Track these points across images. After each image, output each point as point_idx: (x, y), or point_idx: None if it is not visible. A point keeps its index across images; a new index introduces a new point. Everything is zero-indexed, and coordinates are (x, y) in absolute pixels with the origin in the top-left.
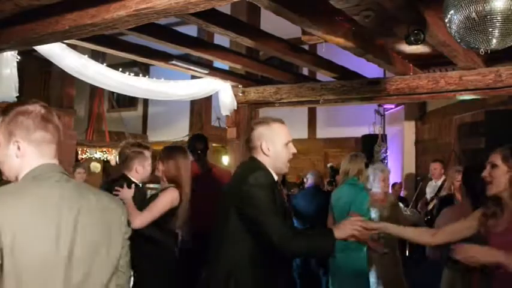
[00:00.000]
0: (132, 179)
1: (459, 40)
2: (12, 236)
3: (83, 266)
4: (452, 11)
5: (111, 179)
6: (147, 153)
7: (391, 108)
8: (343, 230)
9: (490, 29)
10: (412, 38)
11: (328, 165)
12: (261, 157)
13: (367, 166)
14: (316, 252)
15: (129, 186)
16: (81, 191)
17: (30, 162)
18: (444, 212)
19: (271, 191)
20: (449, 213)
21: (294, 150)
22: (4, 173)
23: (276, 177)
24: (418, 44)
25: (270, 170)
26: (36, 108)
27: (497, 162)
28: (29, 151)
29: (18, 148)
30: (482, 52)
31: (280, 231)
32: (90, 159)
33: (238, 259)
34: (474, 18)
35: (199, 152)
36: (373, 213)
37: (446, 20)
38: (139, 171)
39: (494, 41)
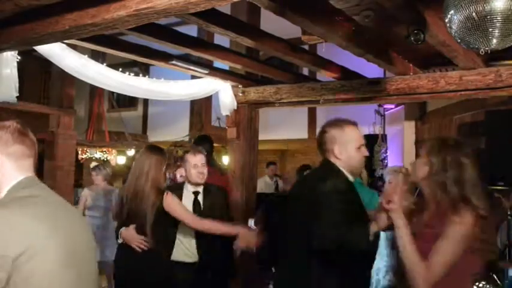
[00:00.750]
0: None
1: (459, 40)
2: (24, 252)
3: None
4: (452, 11)
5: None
6: None
7: (391, 108)
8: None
9: (490, 29)
10: (412, 38)
11: None
12: (334, 160)
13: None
14: None
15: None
16: (65, 206)
17: (11, 176)
18: None
19: (348, 196)
20: None
21: (366, 153)
22: None
23: (351, 179)
24: (418, 44)
25: (344, 172)
26: (13, 124)
27: (421, 153)
28: (7, 165)
29: None
30: (482, 52)
31: (366, 236)
32: (90, 159)
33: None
34: (474, 18)
35: (206, 153)
36: None
37: (446, 20)
38: None
39: (495, 41)
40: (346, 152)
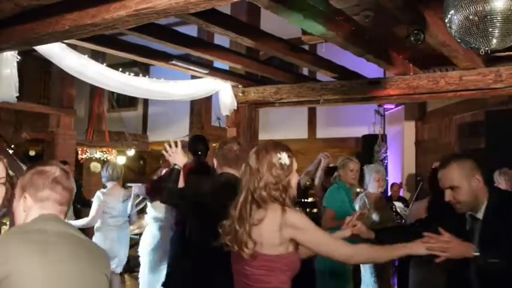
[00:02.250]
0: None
1: (459, 40)
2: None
3: None
4: (452, 11)
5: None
6: None
7: (391, 109)
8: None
9: (490, 29)
10: (412, 38)
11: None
12: None
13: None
14: None
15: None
16: (80, 243)
17: (33, 214)
18: (414, 204)
19: None
20: (418, 206)
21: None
22: (14, 223)
23: None
24: (418, 44)
25: None
26: (52, 169)
27: (455, 183)
28: (33, 207)
29: (25, 203)
30: (482, 52)
31: None
32: (90, 159)
33: None
34: (474, 18)
35: (199, 153)
36: (375, 216)
37: (446, 20)
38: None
39: (494, 41)
40: None
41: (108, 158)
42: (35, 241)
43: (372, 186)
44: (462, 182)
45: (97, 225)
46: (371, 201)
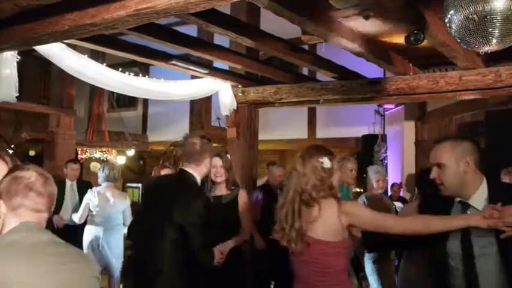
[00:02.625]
0: (195, 175)
1: (459, 40)
2: None
3: None
4: (452, 11)
5: (169, 177)
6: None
7: (391, 108)
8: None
9: (490, 29)
10: (412, 38)
11: None
12: None
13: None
14: None
15: (197, 185)
16: (60, 248)
17: (9, 223)
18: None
19: None
20: (408, 206)
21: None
22: None
23: None
24: (418, 44)
25: None
26: (27, 174)
27: (443, 161)
28: (8, 215)
29: (0, 209)
30: (482, 52)
31: None
32: (90, 159)
33: None
34: (474, 18)
35: None
36: None
37: (446, 20)
38: (207, 166)
39: (494, 41)
40: None
41: (108, 158)
42: (18, 253)
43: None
44: (450, 161)
45: (87, 223)
46: (371, 202)
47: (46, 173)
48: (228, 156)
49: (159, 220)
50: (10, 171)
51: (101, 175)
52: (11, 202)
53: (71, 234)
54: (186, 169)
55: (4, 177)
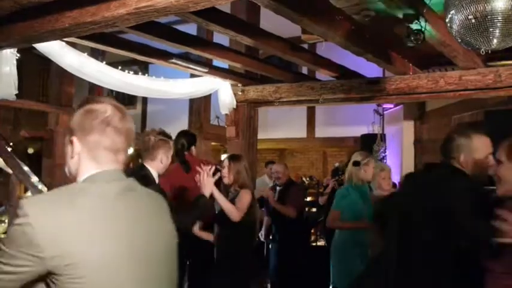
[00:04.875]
0: (151, 170)
1: (460, 40)
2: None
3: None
4: (453, 11)
5: (130, 170)
6: (172, 144)
7: (390, 108)
8: None
9: (491, 29)
10: (412, 38)
11: (336, 164)
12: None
13: (358, 164)
14: None
15: (149, 179)
16: (143, 199)
17: (86, 167)
18: None
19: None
20: None
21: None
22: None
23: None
24: (418, 44)
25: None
26: (102, 107)
27: (501, 159)
28: (83, 155)
29: (72, 148)
30: (483, 52)
31: None
32: None
33: None
34: (475, 18)
35: (179, 146)
36: None
37: (446, 20)
38: (164, 161)
39: (495, 41)
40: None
41: None
42: (95, 207)
43: (377, 185)
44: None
45: None
46: (375, 200)
47: (122, 107)
48: (244, 163)
49: None
50: (81, 105)
51: None
52: (87, 139)
53: None
54: (145, 163)
55: (75, 111)
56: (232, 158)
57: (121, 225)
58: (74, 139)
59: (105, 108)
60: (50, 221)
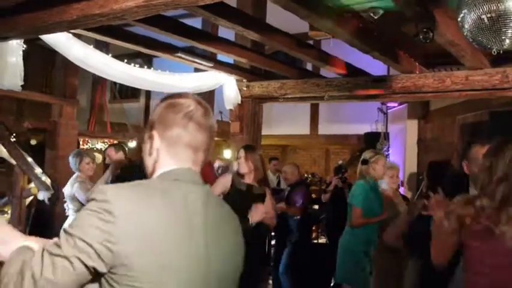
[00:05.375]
0: None
1: (471, 40)
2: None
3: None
4: (465, 10)
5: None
6: None
7: (394, 107)
8: None
9: (504, 29)
10: (421, 37)
11: (339, 162)
12: None
13: (366, 163)
14: None
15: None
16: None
17: (164, 163)
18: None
19: None
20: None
21: None
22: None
23: None
24: (427, 43)
25: None
26: (187, 102)
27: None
28: (162, 151)
29: (151, 143)
30: (495, 52)
31: None
32: (91, 150)
33: None
34: (487, 17)
35: None
36: None
37: (458, 19)
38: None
39: (508, 41)
40: None
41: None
42: (170, 204)
43: (385, 183)
44: None
45: None
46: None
47: (205, 103)
48: (259, 153)
49: None
50: (164, 99)
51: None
52: (168, 134)
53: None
54: None
55: (157, 105)
56: (248, 148)
57: (201, 238)
58: (154, 133)
59: (189, 103)
60: (134, 213)
